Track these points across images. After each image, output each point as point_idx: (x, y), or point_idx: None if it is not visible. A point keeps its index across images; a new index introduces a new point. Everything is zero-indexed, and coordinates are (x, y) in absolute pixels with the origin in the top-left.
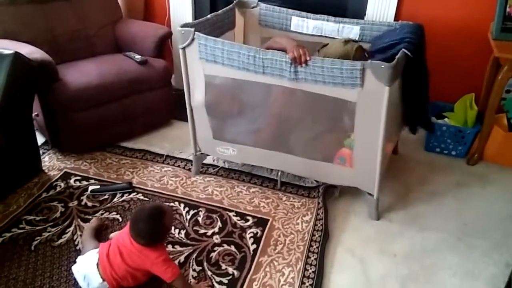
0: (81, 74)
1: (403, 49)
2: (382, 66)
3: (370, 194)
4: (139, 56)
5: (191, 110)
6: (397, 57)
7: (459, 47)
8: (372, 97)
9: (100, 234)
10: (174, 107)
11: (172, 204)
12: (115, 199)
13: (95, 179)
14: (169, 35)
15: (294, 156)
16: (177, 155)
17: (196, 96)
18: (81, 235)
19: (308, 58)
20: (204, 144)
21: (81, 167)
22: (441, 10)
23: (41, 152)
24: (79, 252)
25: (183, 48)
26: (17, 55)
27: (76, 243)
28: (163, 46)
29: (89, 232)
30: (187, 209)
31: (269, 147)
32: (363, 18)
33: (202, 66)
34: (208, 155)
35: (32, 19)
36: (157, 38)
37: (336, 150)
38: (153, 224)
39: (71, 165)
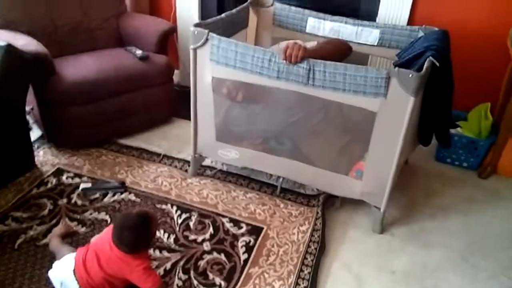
0: (78, 68)
1: (430, 57)
2: (411, 75)
3: (376, 207)
4: (140, 52)
5: (195, 111)
6: (425, 66)
7: (475, 53)
8: (395, 108)
9: (68, 239)
10: (176, 104)
11: (164, 206)
12: (106, 199)
13: (88, 177)
14: (172, 30)
15: (304, 164)
16: (175, 155)
17: (203, 95)
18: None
19: (298, 60)
20: (205, 146)
21: (75, 163)
22: (458, 14)
23: (36, 146)
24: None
25: (195, 49)
26: (9, 47)
27: None
28: (166, 41)
29: (57, 238)
30: (179, 212)
31: (276, 153)
32: (374, 20)
33: (212, 68)
34: (207, 158)
35: (34, 8)
36: (160, 34)
37: (354, 163)
38: (139, 232)
39: (65, 161)
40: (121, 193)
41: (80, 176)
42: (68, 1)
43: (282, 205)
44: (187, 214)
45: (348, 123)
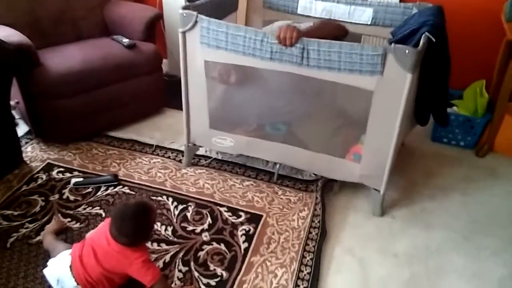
0: (63, 58)
1: (426, 33)
2: (407, 51)
3: (375, 190)
4: (127, 40)
5: (187, 98)
6: (421, 41)
7: (469, 29)
8: (392, 86)
9: (62, 235)
10: (166, 94)
11: (159, 198)
12: (99, 193)
13: (79, 171)
14: (158, 17)
15: (300, 149)
16: (167, 145)
17: (195, 81)
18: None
19: (293, 41)
20: (199, 135)
21: (65, 158)
22: None
23: (23, 142)
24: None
25: (184, 32)
26: None
27: None
28: (153, 29)
29: (51, 235)
30: (175, 203)
31: (271, 139)
32: None
33: (203, 52)
34: (201, 146)
35: (14, 0)
36: (146, 20)
37: (351, 146)
38: (139, 222)
39: (55, 155)
40: (114, 186)
41: (71, 170)
42: None
43: (280, 192)
44: (184, 205)
45: (344, 104)
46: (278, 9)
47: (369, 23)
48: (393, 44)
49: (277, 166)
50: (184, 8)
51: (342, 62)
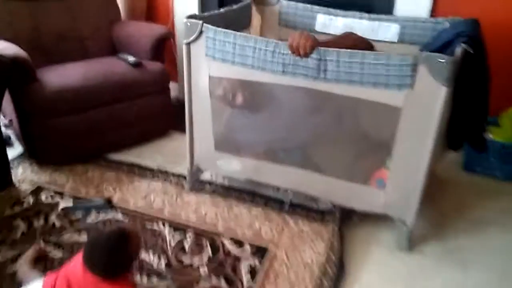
0: (63, 75)
1: (462, 44)
2: (442, 60)
3: (402, 222)
4: (133, 58)
5: (191, 117)
6: (456, 50)
7: (507, 49)
8: (424, 101)
9: (40, 265)
10: (173, 117)
11: (155, 226)
12: (89, 219)
13: (70, 195)
14: (167, 35)
15: (315, 174)
16: (170, 169)
17: (199, 99)
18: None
19: (308, 51)
20: (202, 157)
21: (57, 180)
22: (486, 4)
23: (16, 163)
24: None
25: (188, 44)
26: None
27: None
28: (161, 48)
29: (28, 263)
30: (172, 232)
31: (283, 163)
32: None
33: (208, 66)
34: (205, 170)
35: (17, 16)
36: (154, 39)
37: (374, 171)
38: (113, 253)
39: (46, 178)
40: (107, 211)
41: (61, 194)
42: (56, 11)
43: (292, 222)
44: (182, 234)
45: (367, 123)
46: (296, 26)
47: (395, 40)
48: (425, 53)
49: (289, 193)
50: (189, 17)
51: (365, 74)
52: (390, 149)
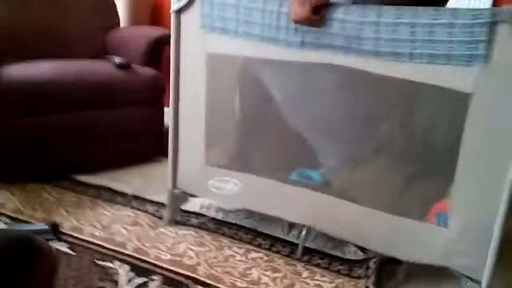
0: (32, 68)
1: None
2: None
3: (470, 279)
4: (120, 59)
5: (176, 114)
6: None
7: None
8: (508, 81)
9: None
10: (164, 137)
11: (109, 264)
12: None
13: (9, 217)
14: (165, 38)
15: (343, 202)
16: (148, 196)
17: (190, 88)
18: None
19: (311, 17)
20: (189, 175)
21: None
22: None
23: None
24: None
25: (178, 12)
26: None
27: None
28: (158, 52)
29: None
30: (131, 274)
31: (299, 182)
32: None
33: (204, 41)
34: (192, 195)
35: None
36: (149, 41)
37: (432, 201)
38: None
39: None
40: (49, 239)
41: None
42: (38, 5)
43: (305, 274)
44: (144, 278)
45: (419, 121)
46: None
47: None
48: (507, 6)
49: (303, 232)
50: None
51: (417, 41)
52: (455, 163)
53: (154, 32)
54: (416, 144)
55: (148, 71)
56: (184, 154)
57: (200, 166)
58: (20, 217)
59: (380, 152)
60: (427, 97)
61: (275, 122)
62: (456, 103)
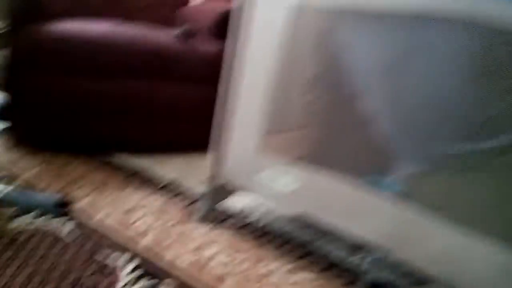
0: (85, 25)
1: None
2: None
3: None
4: (185, 26)
5: (227, 84)
6: None
7: None
8: None
9: None
10: None
11: (111, 259)
12: (17, 222)
13: (23, 184)
14: None
15: (439, 221)
16: (187, 186)
17: (253, 58)
18: None
19: None
20: (236, 163)
21: (19, 164)
22: None
23: None
24: None
25: None
26: None
27: None
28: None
29: None
30: (138, 273)
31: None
32: None
33: None
34: (236, 190)
35: None
36: (219, 14)
37: None
38: None
39: (6, 157)
40: (56, 216)
41: (10, 180)
42: None
43: None
44: (153, 281)
45: None
46: None
47: None
48: None
49: (371, 258)
50: None
51: None
52: None
53: (226, 6)
54: None
55: (213, 45)
56: (234, 137)
57: (252, 154)
58: (35, 185)
59: (504, 156)
60: None
61: (362, 108)
62: None
